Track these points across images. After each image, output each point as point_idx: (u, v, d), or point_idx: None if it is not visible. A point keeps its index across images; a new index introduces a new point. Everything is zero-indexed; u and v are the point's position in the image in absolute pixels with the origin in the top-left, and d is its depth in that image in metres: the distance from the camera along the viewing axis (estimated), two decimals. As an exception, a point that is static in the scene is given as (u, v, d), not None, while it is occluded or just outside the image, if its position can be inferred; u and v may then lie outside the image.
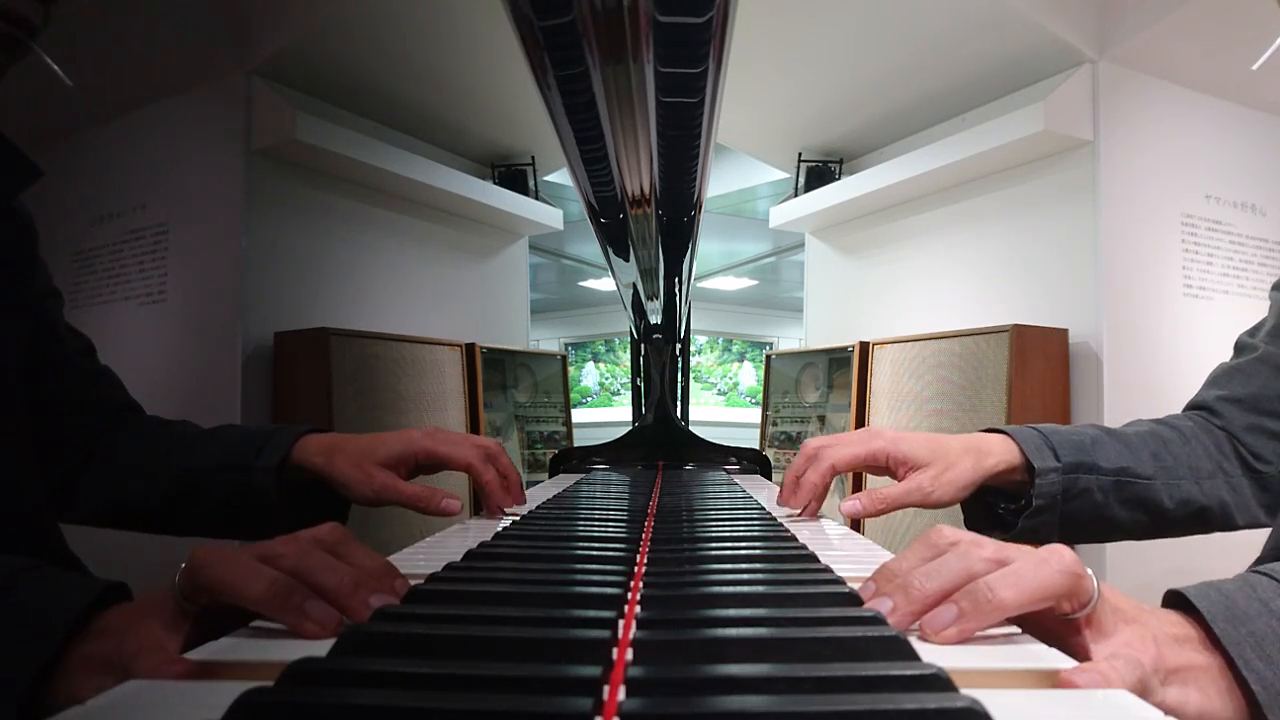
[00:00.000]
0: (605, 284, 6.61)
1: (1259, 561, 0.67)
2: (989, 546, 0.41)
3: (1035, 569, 0.39)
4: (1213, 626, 0.40)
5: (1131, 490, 0.77)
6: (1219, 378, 0.87)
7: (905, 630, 0.39)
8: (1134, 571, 2.18)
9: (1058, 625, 0.40)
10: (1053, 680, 0.34)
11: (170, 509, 0.80)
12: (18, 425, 0.70)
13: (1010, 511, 0.80)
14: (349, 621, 0.40)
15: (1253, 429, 0.82)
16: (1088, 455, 0.76)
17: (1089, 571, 0.40)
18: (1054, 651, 0.36)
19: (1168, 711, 0.34)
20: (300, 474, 0.78)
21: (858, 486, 2.85)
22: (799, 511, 0.79)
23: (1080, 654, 0.39)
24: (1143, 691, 0.37)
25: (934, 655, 0.33)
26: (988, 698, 0.26)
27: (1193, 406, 0.89)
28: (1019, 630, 0.40)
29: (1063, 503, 0.76)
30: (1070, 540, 0.77)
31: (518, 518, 0.76)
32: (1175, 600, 0.43)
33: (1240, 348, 0.88)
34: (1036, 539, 0.76)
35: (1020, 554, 0.40)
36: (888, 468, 0.78)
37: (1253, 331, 0.88)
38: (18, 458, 0.69)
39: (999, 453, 0.77)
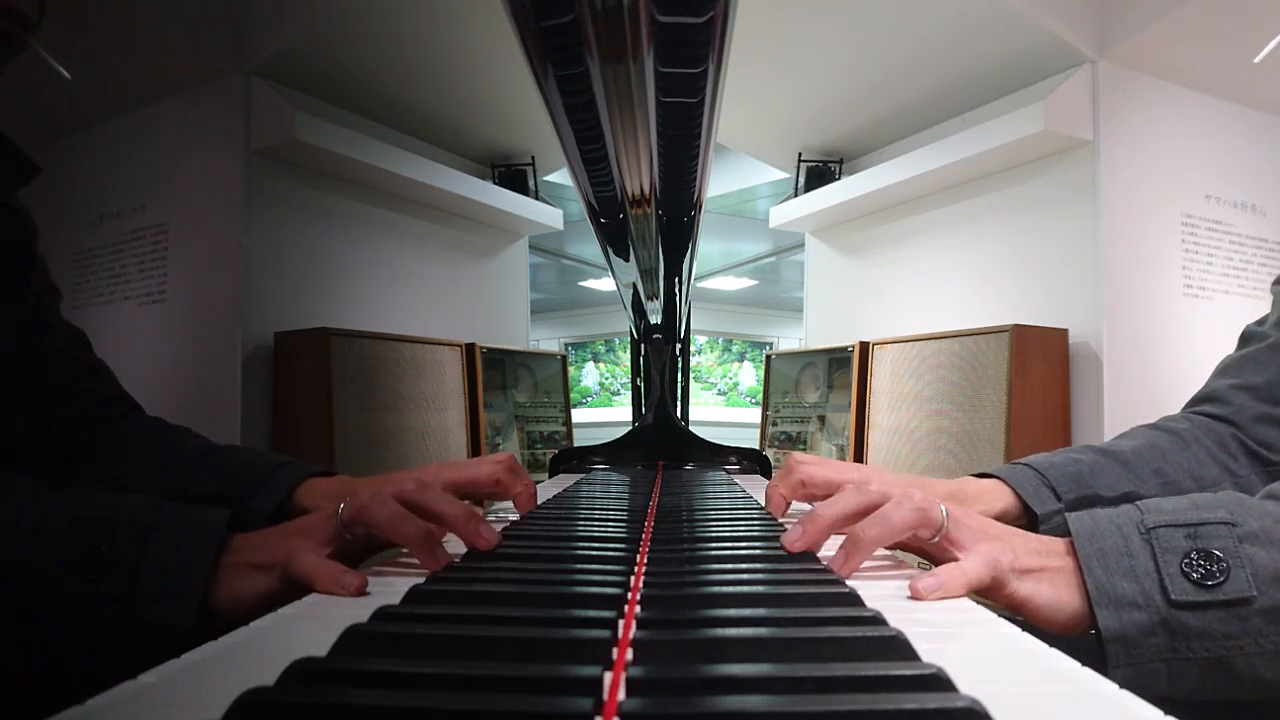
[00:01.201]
0: (605, 284, 6.61)
1: None
2: (875, 482, 0.58)
3: (894, 511, 0.53)
4: (1076, 542, 0.51)
5: None
6: (1229, 367, 0.84)
7: (812, 548, 0.55)
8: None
9: (929, 547, 0.54)
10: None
11: None
12: (15, 417, 0.70)
13: None
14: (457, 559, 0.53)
15: (1263, 419, 0.79)
16: (1088, 487, 0.73)
17: (938, 505, 0.53)
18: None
19: (1021, 601, 0.50)
20: (301, 512, 0.75)
21: None
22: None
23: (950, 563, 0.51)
24: (998, 582, 0.50)
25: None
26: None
27: (1201, 399, 0.85)
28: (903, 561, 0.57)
29: None
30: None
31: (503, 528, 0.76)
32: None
33: (1248, 337, 0.85)
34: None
35: (895, 492, 0.55)
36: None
37: (1260, 322, 0.85)
38: (16, 447, 0.69)
39: (987, 500, 0.73)
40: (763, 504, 0.85)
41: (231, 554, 0.51)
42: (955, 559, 0.51)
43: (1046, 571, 0.51)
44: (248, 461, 0.79)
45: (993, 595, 0.50)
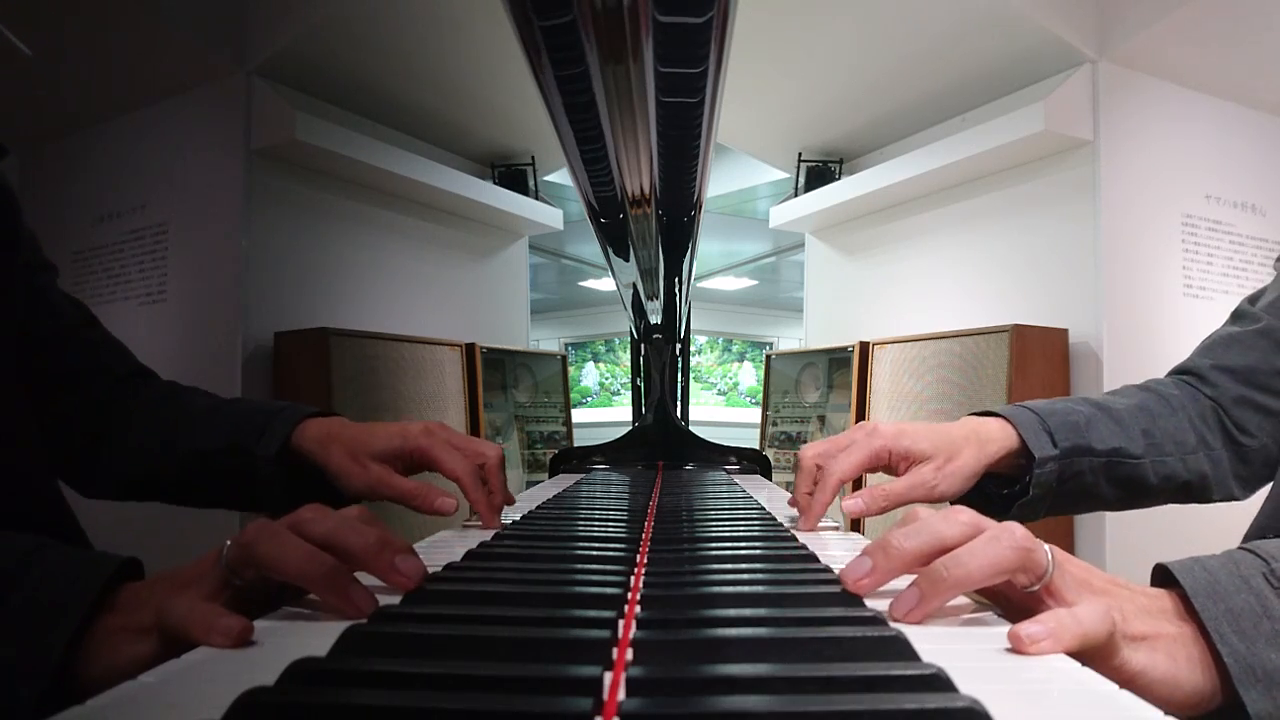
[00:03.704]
0: (605, 284, 6.61)
1: (1246, 538, 0.68)
2: (966, 513, 0.44)
3: (986, 547, 0.41)
4: (1194, 601, 0.41)
5: (1121, 470, 0.77)
6: (1214, 345, 0.86)
7: (882, 585, 0.44)
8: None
9: (1023, 598, 0.42)
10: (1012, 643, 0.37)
11: (182, 488, 0.81)
12: (13, 403, 0.68)
13: (1000, 495, 0.79)
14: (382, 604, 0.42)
15: (1242, 401, 0.81)
16: (1083, 437, 0.75)
17: (1042, 545, 0.42)
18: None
19: (1134, 672, 0.40)
20: (300, 458, 0.77)
21: (857, 484, 2.84)
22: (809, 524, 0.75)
23: None
24: (1110, 647, 0.39)
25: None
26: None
27: (1184, 370, 0.88)
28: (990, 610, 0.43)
29: (1056, 485, 0.75)
30: (1051, 514, 0.78)
31: (498, 530, 0.76)
32: (1162, 574, 0.45)
33: (1240, 315, 0.87)
34: (1023, 518, 0.76)
35: (989, 524, 0.43)
36: (890, 465, 0.75)
37: (1254, 299, 0.87)
38: (16, 436, 0.67)
39: (999, 438, 0.75)
40: (764, 505, 0.85)
41: (117, 614, 0.42)
42: (1047, 610, 0.41)
43: (1161, 639, 0.41)
44: (252, 411, 0.80)
45: (1098, 662, 0.39)
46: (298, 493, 0.77)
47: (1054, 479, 0.74)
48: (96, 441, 0.81)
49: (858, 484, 2.82)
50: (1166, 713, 0.37)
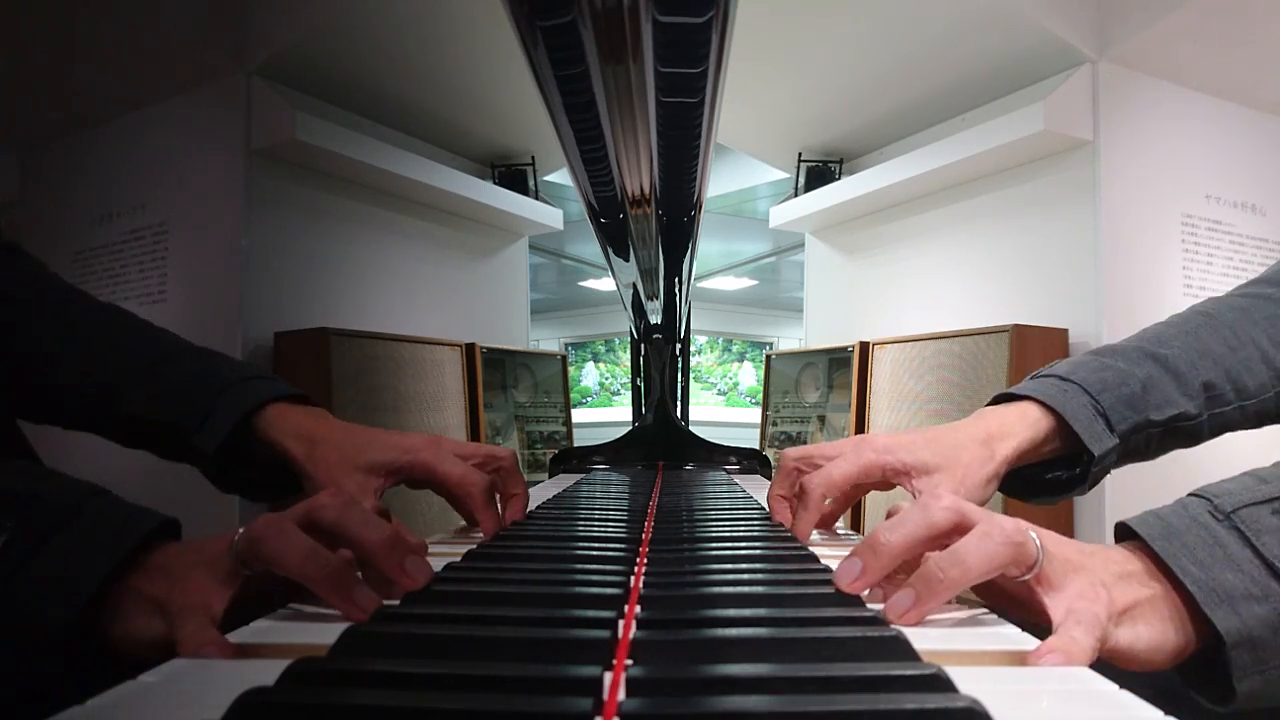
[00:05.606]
0: (605, 284, 6.61)
1: None
2: (946, 497, 0.44)
3: (979, 544, 0.41)
4: (1152, 545, 0.43)
5: (1176, 434, 0.67)
6: None
7: (875, 583, 0.43)
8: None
9: (1013, 586, 0.43)
10: (1019, 659, 0.36)
11: (134, 444, 0.70)
12: None
13: (1042, 480, 0.68)
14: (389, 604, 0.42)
15: None
16: (1141, 411, 0.64)
17: (1031, 535, 0.42)
18: (1023, 634, 0.39)
19: (1121, 651, 0.41)
20: (260, 447, 0.65)
21: (855, 515, 2.78)
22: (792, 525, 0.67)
23: (1035, 608, 0.42)
24: (1103, 643, 0.40)
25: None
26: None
27: (1262, 280, 0.75)
28: (986, 610, 0.43)
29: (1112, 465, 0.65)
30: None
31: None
32: (1123, 531, 0.46)
33: None
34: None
35: (974, 511, 0.43)
36: (885, 481, 0.65)
37: None
38: None
39: (1018, 431, 0.64)
40: (763, 504, 0.85)
41: (144, 576, 0.41)
42: (1036, 597, 0.42)
43: (1140, 605, 0.42)
44: (199, 374, 0.66)
45: None
46: (246, 490, 0.67)
47: (1113, 464, 0.64)
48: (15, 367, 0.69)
49: (857, 512, 2.79)
50: (1151, 670, 0.40)
